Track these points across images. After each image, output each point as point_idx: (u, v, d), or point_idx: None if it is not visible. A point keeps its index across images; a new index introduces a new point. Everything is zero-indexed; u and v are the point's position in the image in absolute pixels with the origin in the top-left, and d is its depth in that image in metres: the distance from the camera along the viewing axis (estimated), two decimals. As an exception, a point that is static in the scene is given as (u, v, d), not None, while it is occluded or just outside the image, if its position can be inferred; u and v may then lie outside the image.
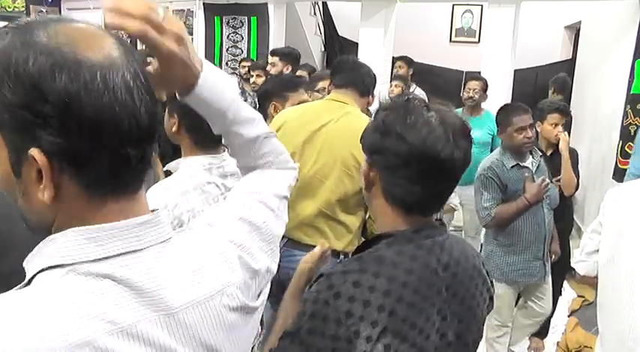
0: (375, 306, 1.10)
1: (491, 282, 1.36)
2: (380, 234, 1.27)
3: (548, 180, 3.02)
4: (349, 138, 2.34)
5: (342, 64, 2.73)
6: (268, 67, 5.08)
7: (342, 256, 2.46)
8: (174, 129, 1.79)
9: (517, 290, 3.18)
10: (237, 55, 7.07)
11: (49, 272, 0.68)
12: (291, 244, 2.44)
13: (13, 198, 0.72)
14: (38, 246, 0.71)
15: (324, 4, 8.22)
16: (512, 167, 3.02)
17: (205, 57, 5.72)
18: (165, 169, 1.87)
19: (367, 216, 2.57)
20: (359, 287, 1.12)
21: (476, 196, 3.09)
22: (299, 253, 2.18)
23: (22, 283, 0.69)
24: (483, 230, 3.30)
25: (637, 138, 3.50)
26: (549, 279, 3.20)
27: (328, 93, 2.81)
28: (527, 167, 3.06)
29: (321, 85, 3.69)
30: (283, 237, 2.22)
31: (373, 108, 2.63)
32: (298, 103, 2.83)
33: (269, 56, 5.25)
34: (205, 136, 1.69)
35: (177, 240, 0.78)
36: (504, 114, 3.11)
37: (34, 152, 0.65)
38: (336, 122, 2.50)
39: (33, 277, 0.69)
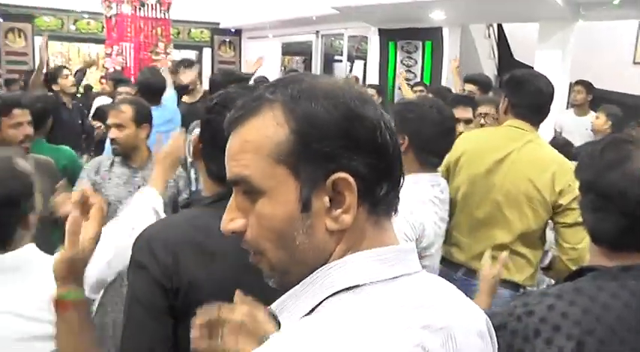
0: (563, 333, 1.18)
1: None
2: (585, 266, 1.35)
3: None
4: (532, 168, 2.47)
5: (522, 84, 2.65)
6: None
7: (521, 289, 2.54)
8: (402, 148, 2.21)
9: None
10: (411, 80, 7.62)
11: (343, 294, 0.74)
12: (469, 273, 2.56)
13: (288, 239, 0.77)
14: (315, 277, 0.76)
15: (499, 26, 8.48)
16: None
17: (379, 82, 6.39)
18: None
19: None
20: (552, 310, 1.21)
21: None
22: (477, 282, 2.20)
23: (302, 312, 0.76)
24: None
25: None
26: None
27: (491, 119, 2.99)
28: None
29: (481, 109, 3.76)
30: (461, 265, 2.56)
31: (546, 132, 2.69)
32: (464, 122, 3.12)
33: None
34: (428, 156, 2.16)
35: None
36: None
37: (341, 176, 0.74)
38: (519, 151, 2.53)
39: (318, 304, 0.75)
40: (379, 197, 0.77)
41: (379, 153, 0.75)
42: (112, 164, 3.11)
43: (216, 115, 1.44)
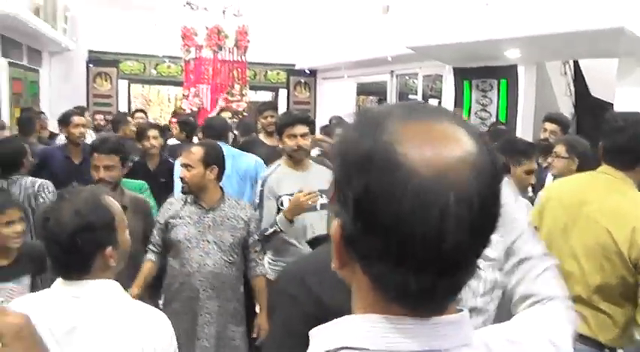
0: None
1: None
2: None
3: None
4: (613, 220, 2.40)
5: (617, 129, 2.54)
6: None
7: (606, 350, 2.47)
8: None
9: None
10: (486, 119, 7.73)
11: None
12: None
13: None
14: (335, 322, 0.80)
15: (576, 63, 8.40)
16: None
17: None
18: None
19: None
20: None
21: None
22: None
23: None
24: None
25: None
26: None
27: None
28: None
29: (557, 149, 3.91)
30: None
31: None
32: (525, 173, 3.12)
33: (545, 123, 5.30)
34: None
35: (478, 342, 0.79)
36: None
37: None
38: (603, 201, 2.49)
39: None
40: (384, 276, 0.71)
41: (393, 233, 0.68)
42: (184, 204, 3.32)
43: None
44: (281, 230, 3.33)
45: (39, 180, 3.85)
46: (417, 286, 0.68)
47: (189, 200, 3.30)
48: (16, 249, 2.90)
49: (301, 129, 3.55)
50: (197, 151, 3.28)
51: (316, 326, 1.33)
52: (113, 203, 1.75)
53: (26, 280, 2.91)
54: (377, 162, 0.67)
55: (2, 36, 7.89)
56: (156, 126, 5.75)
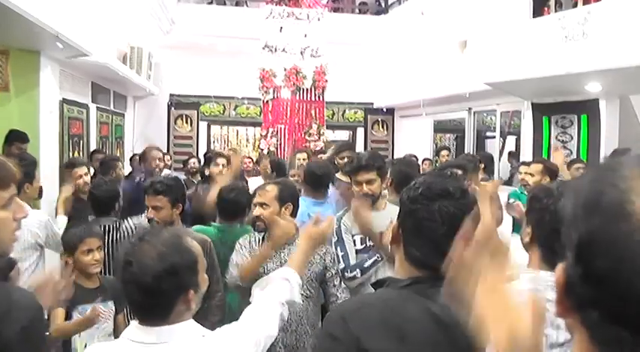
0: None
1: None
2: None
3: None
4: None
5: None
6: None
7: None
8: (527, 239, 2.03)
9: None
10: (567, 156, 7.55)
11: None
12: None
13: None
14: None
15: (660, 95, 8.15)
16: None
17: (533, 158, 6.42)
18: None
19: None
20: None
21: None
22: None
23: None
24: None
25: None
26: None
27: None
28: None
29: None
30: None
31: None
32: None
33: None
34: (553, 254, 1.92)
35: None
36: None
37: None
38: None
39: None
40: None
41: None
42: (260, 241, 3.44)
43: (421, 206, 1.63)
44: (382, 258, 3.37)
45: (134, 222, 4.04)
46: (631, 347, 0.65)
47: (264, 237, 3.41)
48: (97, 276, 3.31)
49: (365, 176, 3.58)
50: (272, 189, 3.41)
51: None
52: (194, 244, 1.75)
53: (111, 304, 3.28)
54: (606, 207, 0.67)
55: (92, 83, 8.55)
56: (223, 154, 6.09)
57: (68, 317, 3.10)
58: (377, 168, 3.67)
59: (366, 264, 3.39)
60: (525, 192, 5.35)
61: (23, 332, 1.46)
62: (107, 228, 3.92)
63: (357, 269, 3.40)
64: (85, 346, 3.06)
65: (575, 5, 6.80)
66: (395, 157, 10.52)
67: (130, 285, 1.64)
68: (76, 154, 7.57)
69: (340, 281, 3.46)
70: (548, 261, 1.95)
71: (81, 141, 7.98)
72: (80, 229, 3.38)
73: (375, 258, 3.38)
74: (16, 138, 5.33)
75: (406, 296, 1.58)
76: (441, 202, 1.61)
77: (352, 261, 3.47)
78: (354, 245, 3.55)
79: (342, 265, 3.46)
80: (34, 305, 1.58)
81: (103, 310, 3.18)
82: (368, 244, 3.53)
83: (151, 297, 1.62)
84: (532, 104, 8.08)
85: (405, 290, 1.60)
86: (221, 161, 5.70)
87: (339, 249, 3.52)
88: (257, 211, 3.38)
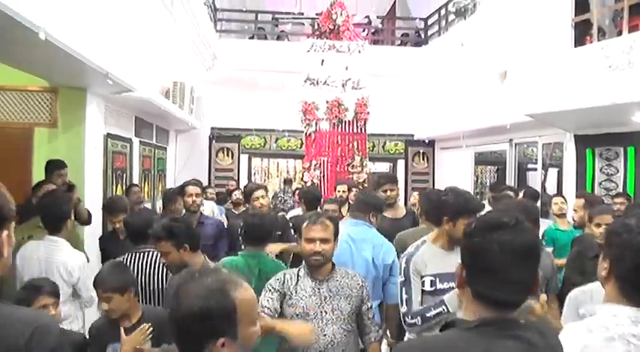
0: None
1: None
2: None
3: None
4: None
5: None
6: None
7: None
8: (603, 273, 2.01)
9: None
10: (611, 190, 7.43)
11: None
12: None
13: None
14: None
15: None
16: None
17: (576, 192, 6.29)
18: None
19: None
20: None
21: None
22: None
23: None
24: None
25: None
26: None
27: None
28: None
29: None
30: None
31: None
32: None
33: None
34: (634, 288, 1.91)
35: None
36: None
37: None
38: None
39: None
40: None
41: None
42: (298, 276, 3.39)
43: (478, 239, 1.66)
44: (448, 311, 3.20)
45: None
46: None
47: (302, 272, 3.39)
48: (138, 311, 3.31)
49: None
50: (330, 225, 3.38)
51: None
52: (242, 295, 1.69)
53: (148, 343, 3.22)
54: None
55: (136, 117, 8.78)
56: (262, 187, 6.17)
57: None
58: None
59: (429, 314, 3.26)
60: (561, 229, 5.29)
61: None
62: (144, 256, 4.03)
63: (419, 317, 3.29)
64: None
65: (619, 34, 6.68)
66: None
67: (170, 322, 1.65)
68: (118, 188, 7.76)
69: (373, 316, 3.48)
70: (628, 295, 1.92)
71: (124, 175, 8.17)
72: (99, 277, 3.34)
73: (441, 309, 3.24)
74: (54, 167, 5.48)
75: (469, 338, 1.59)
76: (498, 233, 1.64)
77: (415, 307, 3.36)
78: (423, 286, 3.42)
79: (404, 309, 3.37)
80: (57, 330, 1.61)
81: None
82: (438, 287, 3.39)
83: (180, 337, 1.63)
84: (575, 136, 7.97)
85: (470, 333, 1.60)
86: (260, 193, 5.76)
87: (404, 291, 3.41)
88: (317, 246, 3.30)
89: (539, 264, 1.73)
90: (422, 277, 3.42)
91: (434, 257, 3.44)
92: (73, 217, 4.38)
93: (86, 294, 4.09)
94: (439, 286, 3.38)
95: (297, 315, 3.24)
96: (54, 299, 3.25)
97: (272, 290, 3.31)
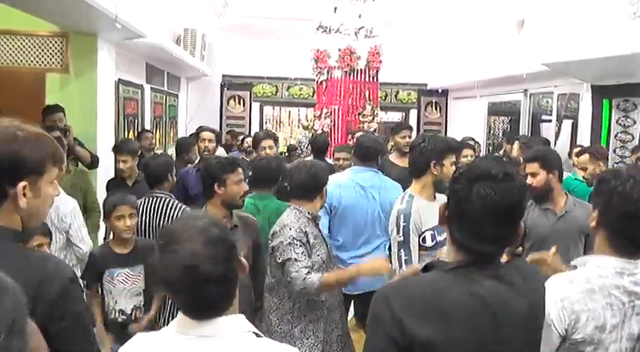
0: None
1: None
2: None
3: None
4: None
5: None
6: None
7: None
8: (593, 223, 1.95)
9: None
10: (627, 142, 7.35)
11: None
12: None
13: None
14: None
15: None
16: None
17: (590, 143, 6.23)
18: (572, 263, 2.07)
19: None
20: None
21: None
22: None
23: None
24: None
25: None
26: None
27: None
28: None
29: None
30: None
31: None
32: None
33: None
34: (623, 239, 1.86)
35: None
36: None
37: None
38: None
39: None
40: None
41: None
42: (310, 220, 3.34)
43: (460, 186, 1.63)
44: None
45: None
46: None
47: (313, 216, 3.38)
48: (132, 241, 3.61)
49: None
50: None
51: (397, 350, 1.52)
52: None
53: (140, 268, 3.57)
54: None
55: (147, 64, 8.74)
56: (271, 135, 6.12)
57: (99, 279, 3.54)
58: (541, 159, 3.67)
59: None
60: (580, 179, 5.24)
61: (62, 290, 1.53)
62: (161, 201, 4.08)
63: None
64: (116, 302, 3.53)
65: (645, -21, 6.49)
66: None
67: (196, 281, 1.47)
68: (130, 134, 7.77)
69: None
70: (615, 246, 1.88)
71: (135, 121, 8.19)
72: (115, 197, 3.70)
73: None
74: (47, 111, 5.53)
75: (450, 279, 1.61)
76: (480, 184, 1.59)
77: None
78: (424, 242, 3.31)
79: (403, 271, 3.17)
80: (69, 273, 1.61)
81: (131, 274, 3.55)
82: (438, 240, 3.30)
83: (217, 286, 1.49)
84: (592, 86, 7.83)
85: (449, 274, 1.62)
86: (267, 143, 5.72)
87: (402, 251, 3.28)
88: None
89: (523, 217, 1.72)
90: (422, 232, 3.31)
91: (427, 209, 3.30)
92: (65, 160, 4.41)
93: (78, 243, 4.03)
94: (438, 239, 3.31)
95: (324, 262, 3.35)
96: (48, 239, 3.38)
97: (297, 244, 3.18)
